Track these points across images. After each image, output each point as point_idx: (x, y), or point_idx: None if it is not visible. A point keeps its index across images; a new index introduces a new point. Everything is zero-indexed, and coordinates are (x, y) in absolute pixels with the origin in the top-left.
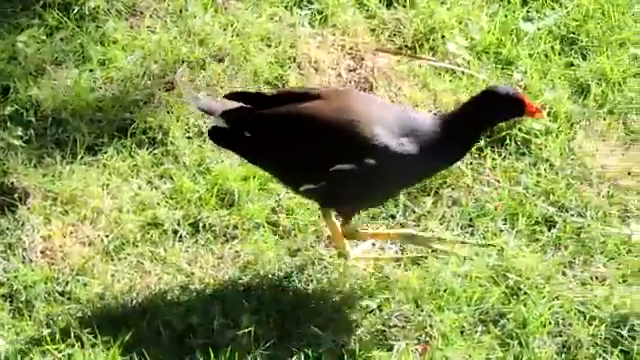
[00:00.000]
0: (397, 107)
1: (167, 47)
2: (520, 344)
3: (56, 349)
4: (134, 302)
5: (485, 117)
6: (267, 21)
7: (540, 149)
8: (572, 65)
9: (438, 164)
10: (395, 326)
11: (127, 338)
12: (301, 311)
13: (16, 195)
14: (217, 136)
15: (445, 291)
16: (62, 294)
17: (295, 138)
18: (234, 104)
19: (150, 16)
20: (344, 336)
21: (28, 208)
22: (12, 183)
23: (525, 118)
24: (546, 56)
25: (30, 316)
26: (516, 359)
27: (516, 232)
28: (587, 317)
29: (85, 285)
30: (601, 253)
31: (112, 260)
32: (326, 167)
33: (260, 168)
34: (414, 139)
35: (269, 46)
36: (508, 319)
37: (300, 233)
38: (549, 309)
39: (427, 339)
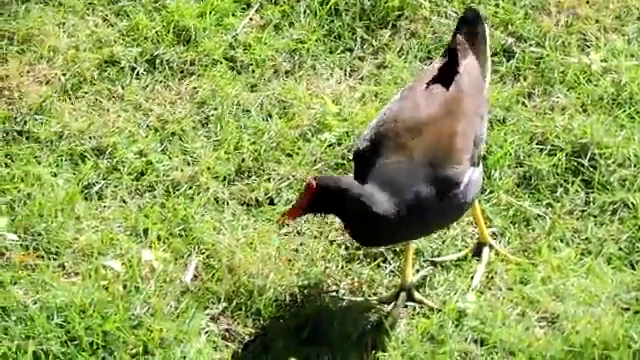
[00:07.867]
0: None
1: None
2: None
3: (15, 188)
4: (92, 140)
5: None
6: None
7: None
8: None
9: None
10: None
11: (86, 175)
12: (260, 145)
13: None
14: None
15: None
16: (20, 133)
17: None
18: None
19: None
20: (302, 170)
21: None
22: None
23: None
24: None
25: None
26: None
27: None
28: (547, 147)
29: (43, 124)
30: (561, 83)
31: (70, 99)
32: None
33: None
34: None
35: None
36: None
37: (258, 68)
38: (509, 140)
39: None
